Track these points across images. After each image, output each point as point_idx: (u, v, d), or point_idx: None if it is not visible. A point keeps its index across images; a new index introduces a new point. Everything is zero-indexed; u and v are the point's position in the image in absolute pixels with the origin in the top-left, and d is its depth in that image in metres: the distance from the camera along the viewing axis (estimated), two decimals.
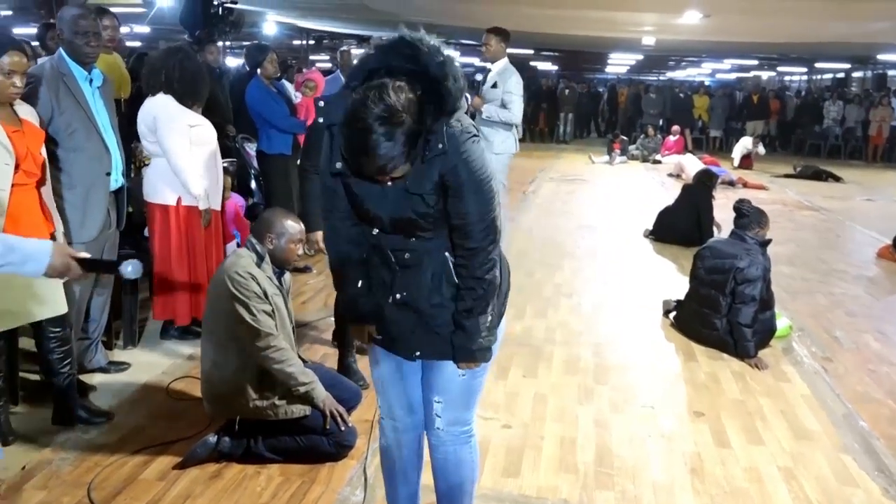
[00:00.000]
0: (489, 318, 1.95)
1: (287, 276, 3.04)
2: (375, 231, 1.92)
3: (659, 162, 13.55)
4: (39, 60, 3.72)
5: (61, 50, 3.16)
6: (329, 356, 3.80)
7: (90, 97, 3.17)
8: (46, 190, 2.89)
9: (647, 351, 4.17)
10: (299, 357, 3.09)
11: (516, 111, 5.26)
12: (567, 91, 17.35)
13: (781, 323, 4.36)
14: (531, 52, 23.12)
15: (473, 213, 1.83)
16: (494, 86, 5.27)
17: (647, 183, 11.22)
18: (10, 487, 2.61)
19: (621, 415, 3.37)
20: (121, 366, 3.61)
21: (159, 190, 3.60)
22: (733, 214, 4.27)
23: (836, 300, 5.30)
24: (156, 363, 3.69)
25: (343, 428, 2.86)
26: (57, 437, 2.94)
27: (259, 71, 5.32)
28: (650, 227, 7.05)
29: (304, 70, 8.10)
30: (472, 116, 5.08)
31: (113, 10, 14.78)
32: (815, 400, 3.61)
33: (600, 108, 20.09)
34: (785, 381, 3.81)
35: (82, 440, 2.93)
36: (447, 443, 2.16)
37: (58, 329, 2.97)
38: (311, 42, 20.27)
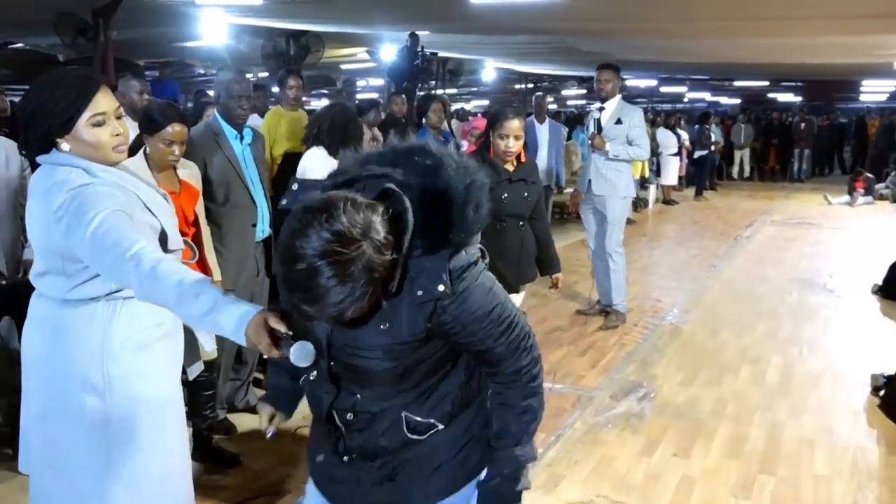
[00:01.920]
0: (527, 450, 1.51)
1: None
2: (313, 375, 1.51)
3: None
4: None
5: (216, 111, 3.43)
6: None
7: (240, 154, 3.38)
8: (207, 243, 3.10)
9: (838, 437, 3.48)
10: None
11: (647, 147, 5.16)
12: (803, 124, 15.71)
13: None
14: (766, 83, 21.48)
15: (498, 346, 1.43)
16: (618, 122, 4.98)
17: (894, 228, 9.70)
18: None
19: None
20: None
21: None
22: None
23: None
24: (300, 408, 3.78)
25: None
26: None
27: (424, 120, 5.44)
28: (880, 282, 6.02)
29: (470, 118, 8.19)
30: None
31: (346, 66, 16.06)
32: None
33: (847, 143, 17.93)
34: None
35: (209, 480, 3.05)
36: None
37: (206, 373, 3.15)
38: (531, 86, 20.60)
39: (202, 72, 16.74)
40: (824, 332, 5.12)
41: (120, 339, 1.84)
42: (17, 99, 14.45)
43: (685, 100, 26.86)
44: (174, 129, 2.81)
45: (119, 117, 1.83)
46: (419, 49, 9.02)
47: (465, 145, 6.28)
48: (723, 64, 14.60)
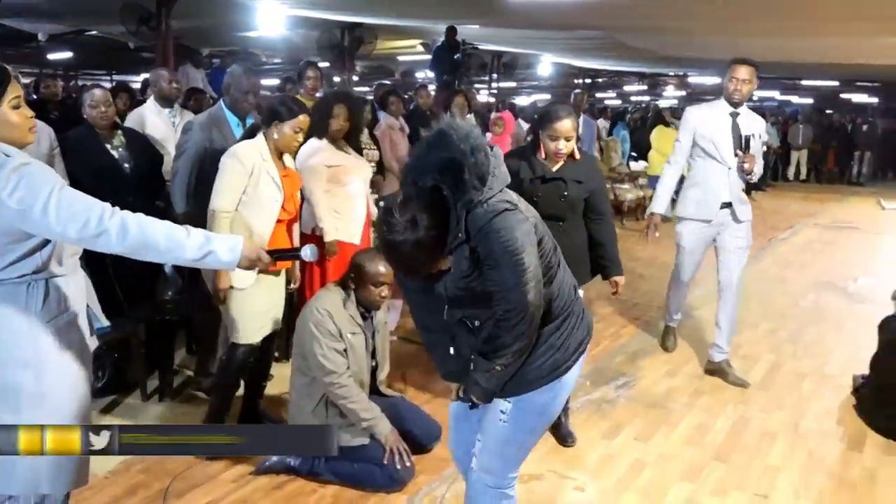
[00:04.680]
0: (497, 368, 1.99)
1: (379, 314, 3.19)
2: (447, 307, 2.06)
3: None
4: None
5: (222, 99, 3.73)
6: None
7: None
8: (296, 228, 3.45)
9: (802, 432, 3.55)
10: (378, 390, 3.24)
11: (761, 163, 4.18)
12: (865, 126, 15.21)
13: None
14: (836, 83, 20.74)
15: (505, 281, 1.89)
16: (757, 137, 4.02)
17: None
18: (126, 464, 3.10)
19: (722, 500, 2.94)
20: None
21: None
22: None
23: None
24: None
25: (400, 466, 2.92)
26: None
27: (448, 113, 5.64)
28: None
29: (494, 112, 8.32)
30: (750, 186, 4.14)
31: (401, 58, 16.30)
32: None
33: None
34: None
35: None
36: (477, 490, 2.17)
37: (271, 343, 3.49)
38: (588, 81, 20.48)
39: (265, 60, 17.34)
40: (827, 334, 5.12)
41: (47, 318, 1.96)
42: (89, 83, 15.25)
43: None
44: (306, 119, 3.15)
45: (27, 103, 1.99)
46: (460, 42, 9.20)
47: (490, 137, 6.46)
48: (790, 63, 14.24)
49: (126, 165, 3.89)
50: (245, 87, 3.66)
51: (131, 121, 4.48)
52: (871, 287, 6.37)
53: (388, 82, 17.41)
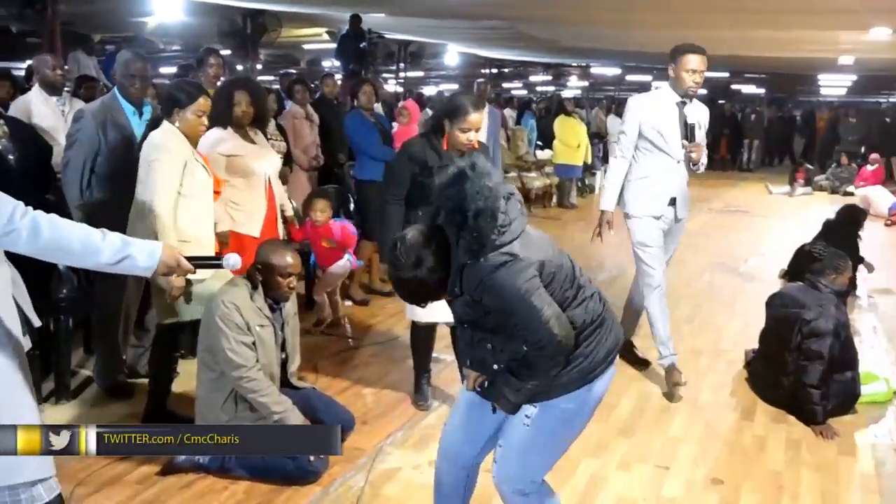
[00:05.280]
0: (528, 386, 2.02)
1: (288, 306, 3.14)
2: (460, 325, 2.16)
3: (851, 194, 12.10)
4: None
5: (116, 87, 3.58)
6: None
7: (136, 129, 3.53)
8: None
9: (699, 405, 3.76)
10: (289, 383, 3.20)
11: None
12: (753, 116, 16.11)
13: (877, 387, 3.72)
14: (727, 75, 21.83)
15: (527, 323, 1.92)
16: (700, 127, 3.79)
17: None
18: None
19: (626, 473, 3.08)
20: None
21: None
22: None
23: None
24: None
25: (313, 457, 2.90)
26: None
27: (355, 102, 5.60)
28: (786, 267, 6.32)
29: (401, 101, 8.36)
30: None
31: (307, 46, 15.90)
32: (878, 481, 3.03)
33: (800, 135, 18.38)
34: (848, 455, 3.24)
35: None
36: (510, 501, 2.17)
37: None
38: (495, 70, 20.74)
39: (162, 47, 16.65)
40: (721, 312, 5.41)
41: None
42: None
43: (653, 88, 27.04)
44: (207, 101, 3.12)
45: None
46: (365, 31, 9.13)
47: (396, 126, 6.45)
48: None
49: (10, 157, 3.67)
50: (131, 72, 3.54)
51: (16, 110, 4.24)
52: (759, 267, 6.78)
53: (293, 71, 17.14)
